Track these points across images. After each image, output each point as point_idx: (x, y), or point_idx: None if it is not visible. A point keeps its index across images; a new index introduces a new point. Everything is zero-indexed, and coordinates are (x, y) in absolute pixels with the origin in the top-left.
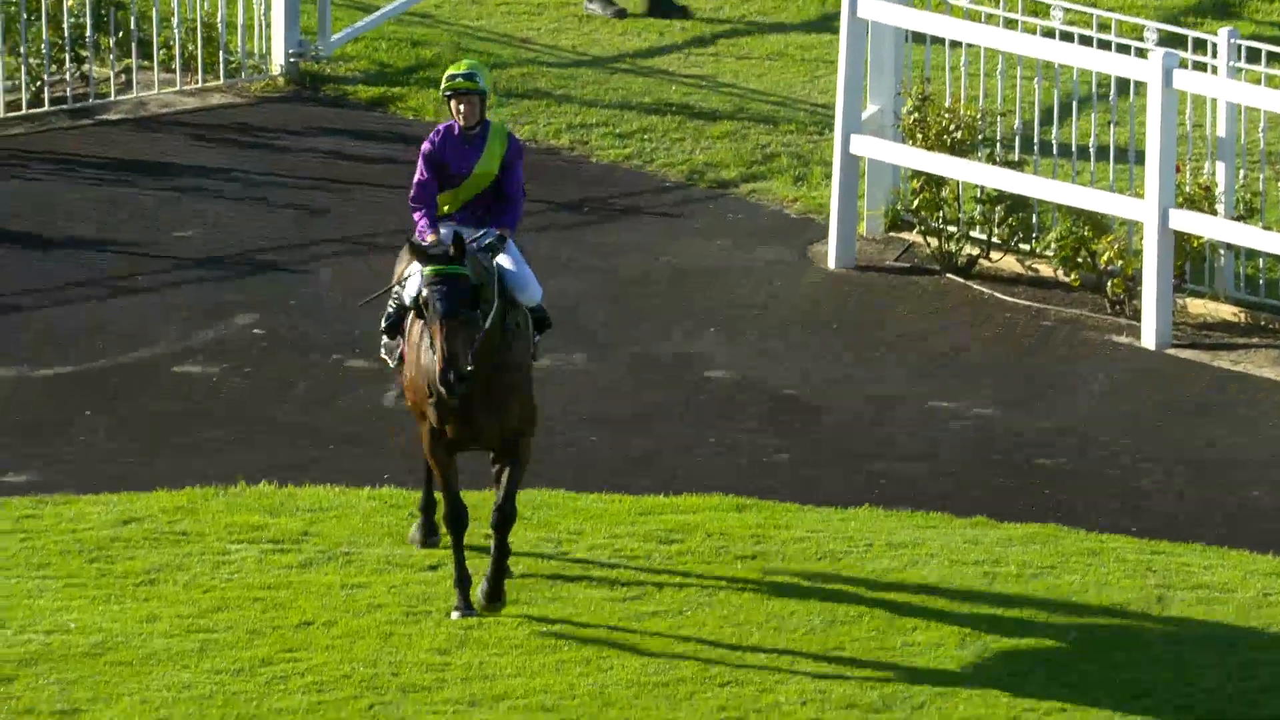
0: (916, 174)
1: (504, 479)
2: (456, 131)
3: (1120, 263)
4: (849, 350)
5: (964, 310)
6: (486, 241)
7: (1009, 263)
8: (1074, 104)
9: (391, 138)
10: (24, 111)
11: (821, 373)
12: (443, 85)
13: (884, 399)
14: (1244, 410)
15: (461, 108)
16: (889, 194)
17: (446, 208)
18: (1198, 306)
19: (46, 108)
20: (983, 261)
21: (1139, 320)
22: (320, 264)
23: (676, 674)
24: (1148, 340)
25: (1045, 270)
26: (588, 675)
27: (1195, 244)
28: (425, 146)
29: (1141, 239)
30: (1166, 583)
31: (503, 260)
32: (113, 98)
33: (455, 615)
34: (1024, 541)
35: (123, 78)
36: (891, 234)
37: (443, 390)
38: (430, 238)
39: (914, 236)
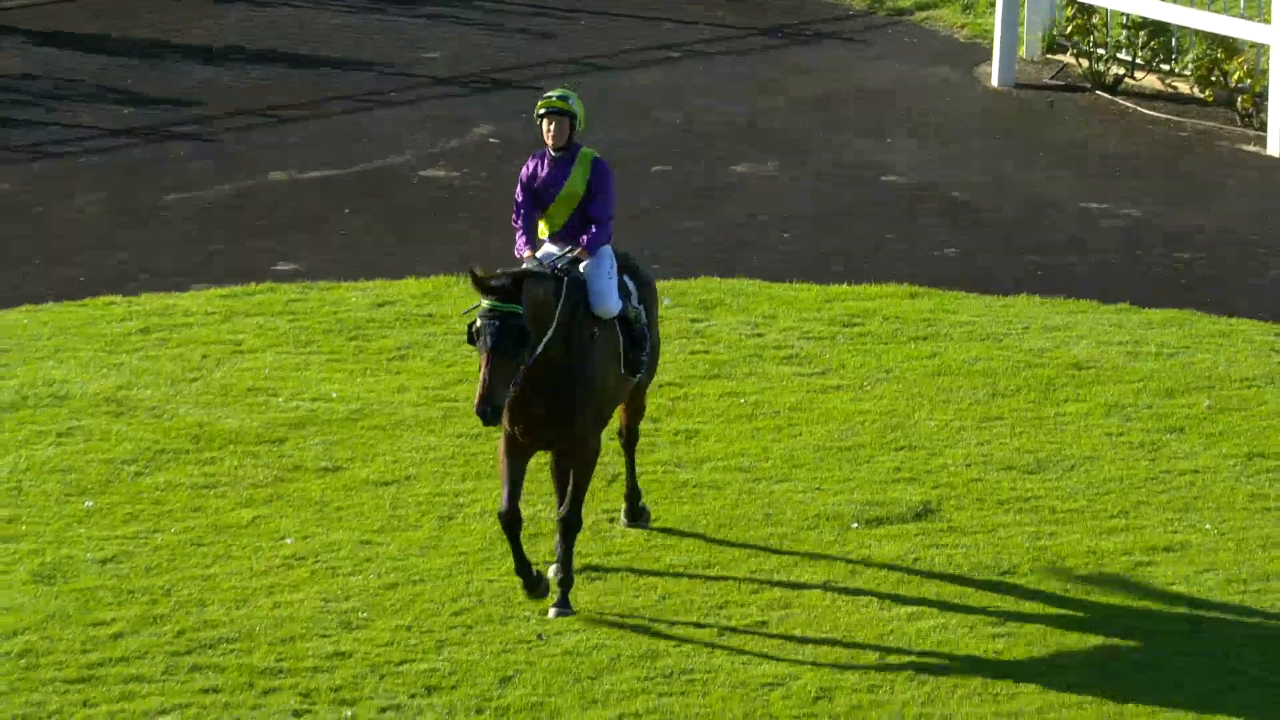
0: (1070, 2)
1: (568, 487)
2: (546, 157)
3: (1249, 81)
4: (1011, 157)
5: (1111, 123)
6: (564, 263)
7: (1151, 81)
8: None
9: None
10: None
11: (986, 176)
12: (537, 106)
13: (1042, 199)
14: None
15: (551, 127)
16: (1045, 21)
17: (547, 229)
18: None
19: None
20: (1128, 80)
21: (1265, 131)
22: (548, 81)
23: (857, 439)
24: (1273, 148)
25: (1183, 88)
26: (779, 441)
27: None
28: (522, 171)
29: (1268, 59)
30: None
31: (584, 271)
32: None
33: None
34: (1163, 325)
35: None
36: (1048, 56)
37: (478, 417)
38: (526, 254)
39: (1067, 58)
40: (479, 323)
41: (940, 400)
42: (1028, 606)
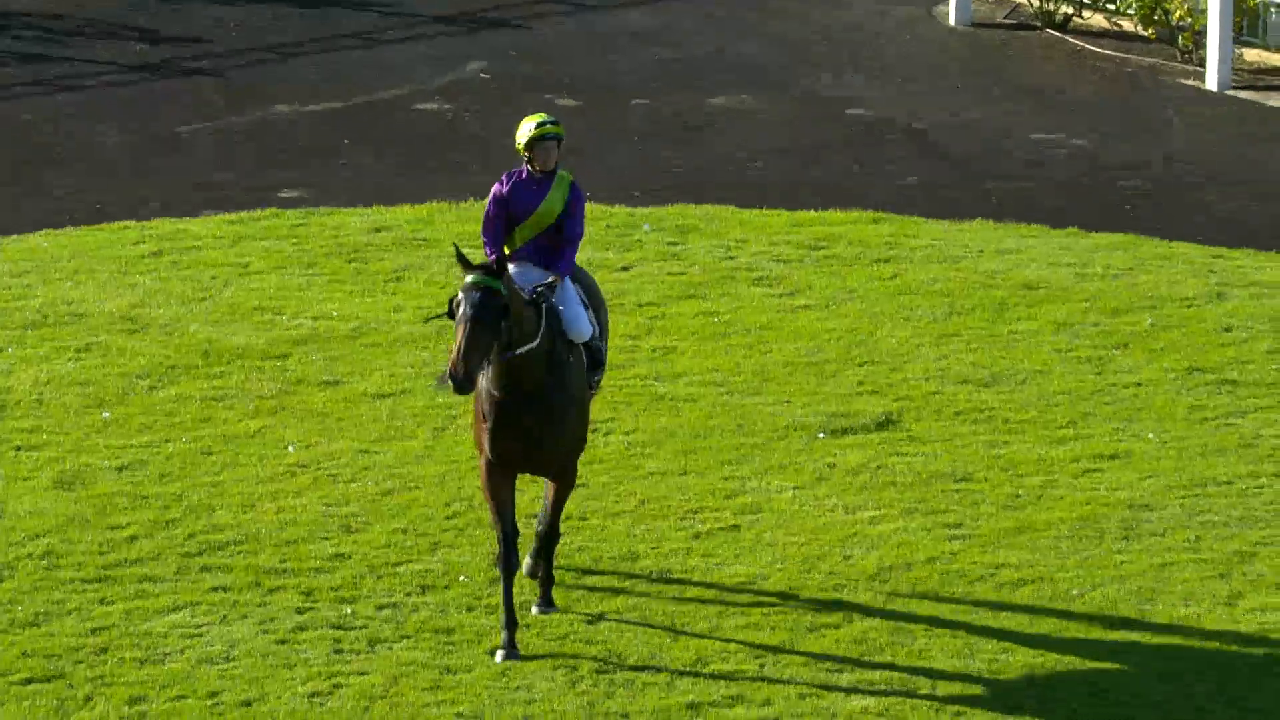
0: None
1: (548, 502)
2: (525, 175)
3: (1189, 19)
4: (968, 91)
5: (1061, 59)
6: (539, 290)
7: (1098, 20)
8: None
9: None
10: None
11: (945, 109)
12: (532, 132)
13: (997, 131)
14: None
15: (545, 153)
16: None
17: (514, 244)
18: (1252, 55)
19: None
20: (1076, 19)
21: (1204, 67)
22: (538, 20)
23: (823, 355)
24: (1211, 83)
25: (1127, 26)
26: (751, 357)
27: (1250, 3)
28: (495, 188)
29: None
30: (1225, 281)
31: (557, 300)
32: None
33: (499, 656)
34: (1108, 248)
35: None
36: None
37: (450, 382)
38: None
39: None
40: (459, 294)
41: (901, 318)
42: (982, 510)
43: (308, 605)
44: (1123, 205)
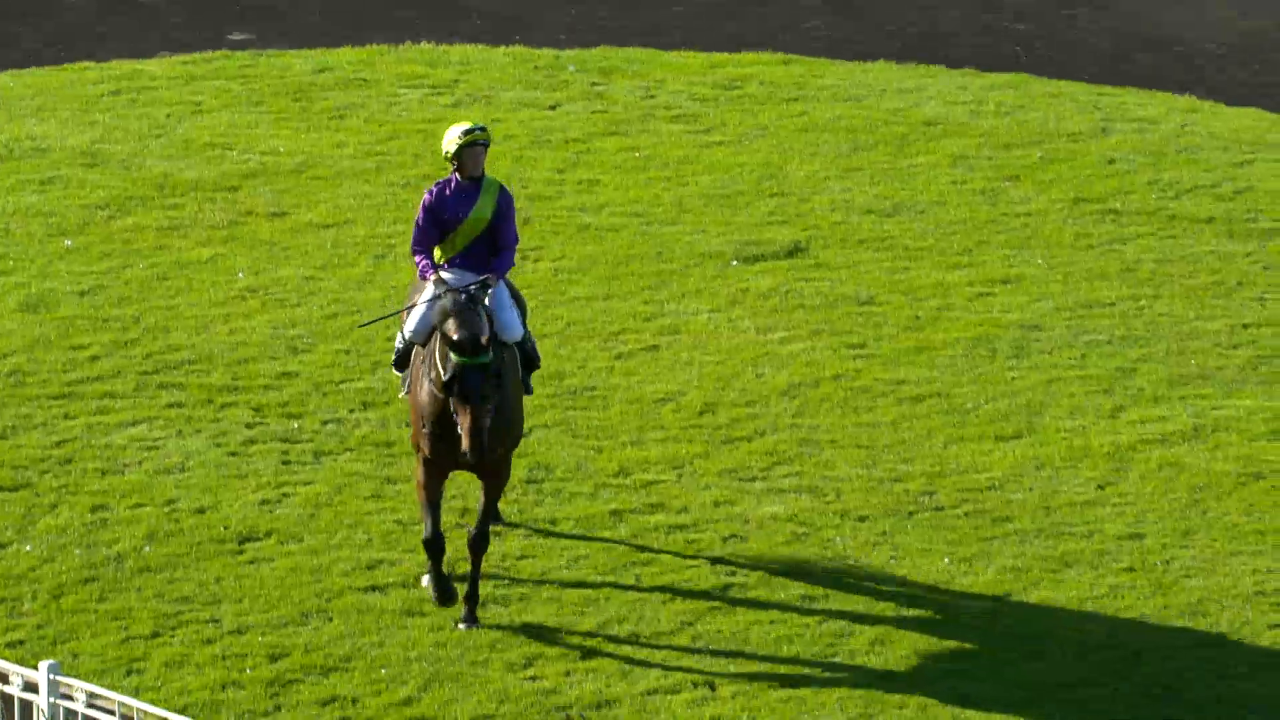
0: None
1: (480, 505)
2: (454, 183)
3: None
4: None
5: None
6: (474, 287)
7: None
8: None
9: None
10: None
11: None
12: (459, 139)
13: None
14: None
15: (474, 158)
16: None
17: (448, 252)
18: None
19: None
20: None
21: None
22: None
23: (736, 188)
24: None
25: None
26: (669, 189)
27: None
28: (425, 198)
29: None
30: (1109, 117)
31: (490, 303)
32: None
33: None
34: (1001, 87)
35: None
36: None
37: (471, 460)
38: (431, 277)
39: None
40: (457, 377)
41: (809, 153)
42: (884, 331)
43: (257, 420)
44: (1014, 46)
